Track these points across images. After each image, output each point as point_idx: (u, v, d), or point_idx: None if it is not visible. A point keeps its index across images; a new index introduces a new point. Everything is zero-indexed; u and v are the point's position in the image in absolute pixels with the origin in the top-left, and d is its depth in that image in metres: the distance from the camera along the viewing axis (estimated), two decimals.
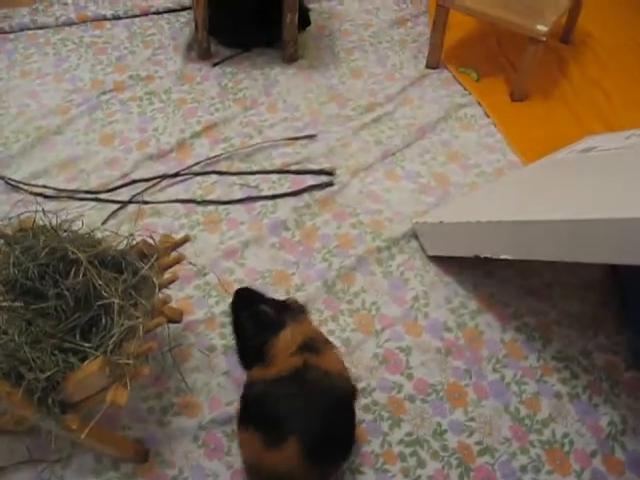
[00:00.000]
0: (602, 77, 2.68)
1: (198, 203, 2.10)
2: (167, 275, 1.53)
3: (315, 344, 1.48)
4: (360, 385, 1.67)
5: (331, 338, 1.68)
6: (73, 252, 1.31)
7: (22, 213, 1.47)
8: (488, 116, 2.50)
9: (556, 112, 2.53)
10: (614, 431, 1.66)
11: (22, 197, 2.04)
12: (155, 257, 1.46)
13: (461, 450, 1.61)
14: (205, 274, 1.90)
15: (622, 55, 2.81)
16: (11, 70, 2.54)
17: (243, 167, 2.24)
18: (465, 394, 1.71)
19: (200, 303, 1.85)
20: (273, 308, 1.53)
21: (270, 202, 2.13)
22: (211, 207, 2.10)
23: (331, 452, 1.39)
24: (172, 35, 2.75)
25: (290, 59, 2.67)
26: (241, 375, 1.64)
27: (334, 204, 2.14)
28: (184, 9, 2.87)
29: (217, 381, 1.69)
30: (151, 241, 1.50)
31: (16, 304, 1.27)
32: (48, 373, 1.20)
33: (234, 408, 1.61)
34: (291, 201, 2.13)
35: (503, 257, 1.70)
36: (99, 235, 1.48)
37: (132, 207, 2.06)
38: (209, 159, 2.24)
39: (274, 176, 2.21)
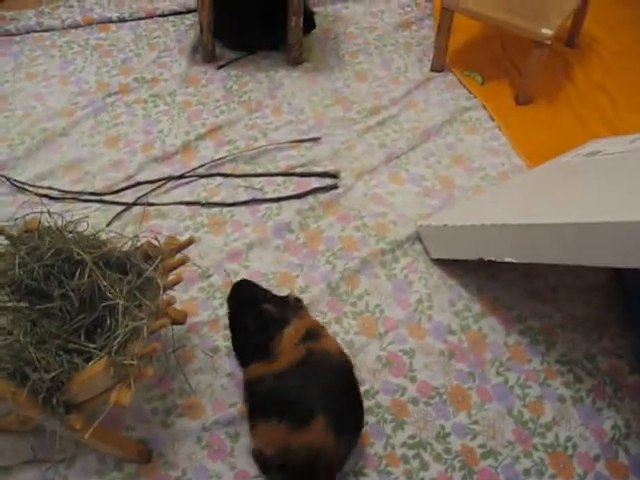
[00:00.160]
0: (607, 81, 2.67)
1: (203, 205, 2.11)
2: (171, 277, 1.53)
3: (314, 332, 1.53)
4: (363, 387, 1.67)
5: None
6: (78, 253, 1.32)
7: (28, 214, 1.48)
8: (493, 119, 2.50)
9: (561, 116, 2.53)
10: (618, 435, 1.65)
11: (28, 198, 2.05)
12: (160, 259, 1.47)
13: (464, 453, 1.61)
14: (209, 276, 1.91)
15: (627, 59, 2.81)
16: (17, 72, 2.55)
17: (248, 169, 2.25)
18: (468, 397, 1.71)
19: (204, 305, 1.85)
20: (275, 305, 1.54)
21: (274, 204, 2.13)
22: (216, 209, 2.11)
23: (352, 421, 1.50)
24: (177, 38, 2.76)
25: (295, 62, 2.67)
26: None
27: (338, 207, 2.15)
28: (189, 12, 2.88)
29: (220, 382, 1.69)
30: (156, 243, 1.51)
31: (21, 305, 1.28)
32: (53, 373, 1.20)
33: (237, 409, 1.62)
34: (295, 203, 2.13)
35: (507, 260, 1.70)
36: (104, 236, 1.49)
37: (137, 209, 2.07)
38: (214, 161, 2.25)
39: (279, 178, 2.22)
